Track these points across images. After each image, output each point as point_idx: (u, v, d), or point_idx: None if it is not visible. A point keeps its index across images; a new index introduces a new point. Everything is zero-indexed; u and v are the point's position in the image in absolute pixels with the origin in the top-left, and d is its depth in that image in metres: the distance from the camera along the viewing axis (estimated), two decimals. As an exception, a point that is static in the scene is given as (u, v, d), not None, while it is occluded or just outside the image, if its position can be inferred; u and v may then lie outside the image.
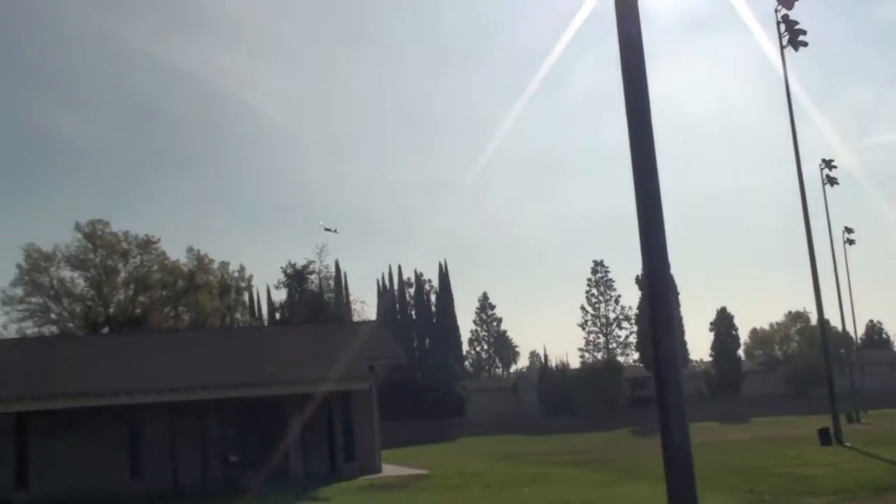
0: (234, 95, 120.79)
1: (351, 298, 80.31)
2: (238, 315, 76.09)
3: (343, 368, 29.88)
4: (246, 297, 78.59)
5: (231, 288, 75.02)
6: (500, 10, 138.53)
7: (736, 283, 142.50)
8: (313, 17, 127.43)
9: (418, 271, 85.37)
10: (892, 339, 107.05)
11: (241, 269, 76.12)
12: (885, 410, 64.12)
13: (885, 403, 69.64)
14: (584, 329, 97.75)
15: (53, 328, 66.84)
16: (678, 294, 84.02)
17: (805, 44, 38.22)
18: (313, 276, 75.80)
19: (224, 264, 74.56)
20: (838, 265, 60.65)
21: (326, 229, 71.12)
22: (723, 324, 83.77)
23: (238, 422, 31.49)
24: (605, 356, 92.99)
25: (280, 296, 76.44)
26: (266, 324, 75.16)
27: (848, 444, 31.40)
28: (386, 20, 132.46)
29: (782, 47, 38.63)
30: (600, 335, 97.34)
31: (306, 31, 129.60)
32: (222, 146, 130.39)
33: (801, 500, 16.45)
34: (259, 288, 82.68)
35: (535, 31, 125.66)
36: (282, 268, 74.44)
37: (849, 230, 65.54)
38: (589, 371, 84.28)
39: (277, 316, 75.28)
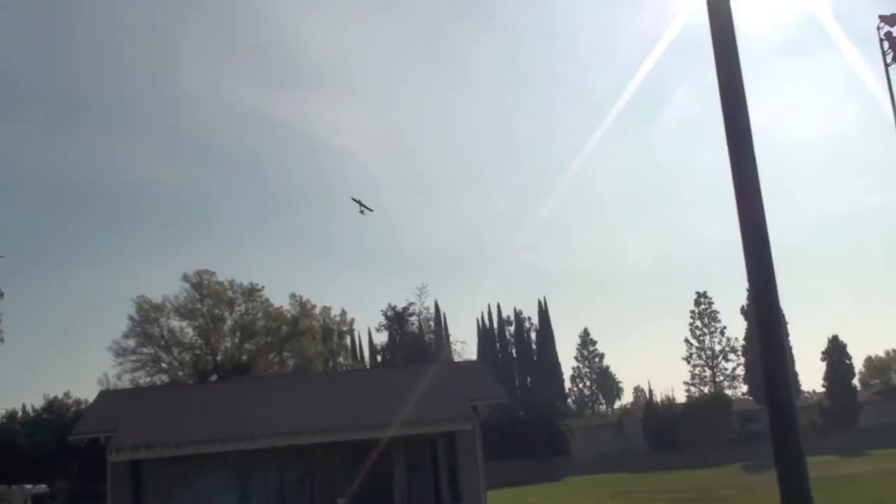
0: (328, 141, 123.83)
1: (451, 339, 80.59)
2: (341, 359, 77.06)
3: (446, 409, 29.87)
4: (348, 340, 79.66)
5: (333, 332, 76.10)
6: (591, 41, 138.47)
7: (848, 310, 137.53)
8: (394, 55, 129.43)
9: (517, 309, 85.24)
10: None
11: (343, 313, 77.29)
12: None
13: None
14: (688, 362, 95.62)
15: (165, 377, 68.85)
16: (786, 323, 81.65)
17: (910, 60, 37.10)
18: (413, 318, 76.38)
19: (326, 309, 75.85)
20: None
21: (360, 205, 66.43)
22: (835, 352, 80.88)
23: (344, 465, 31.68)
24: (712, 389, 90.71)
25: (381, 338, 77.31)
26: (368, 367, 75.91)
27: (978, 476, 29.85)
28: (473, 52, 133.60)
29: (887, 65, 37.53)
30: (706, 368, 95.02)
31: (392, 71, 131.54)
32: (320, 192, 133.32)
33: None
34: (360, 331, 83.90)
35: (627, 62, 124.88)
36: (382, 311, 75.30)
37: (966, 251, 62.72)
38: (695, 405, 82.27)
39: (379, 358, 76.02)
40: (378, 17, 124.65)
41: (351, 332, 79.53)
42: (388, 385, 36.99)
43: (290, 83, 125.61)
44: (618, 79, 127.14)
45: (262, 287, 72.29)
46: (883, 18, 37.80)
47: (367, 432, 29.77)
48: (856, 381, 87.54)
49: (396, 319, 74.70)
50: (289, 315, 72.56)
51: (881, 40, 38.28)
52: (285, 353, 73.68)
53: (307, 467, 31.45)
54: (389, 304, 75.33)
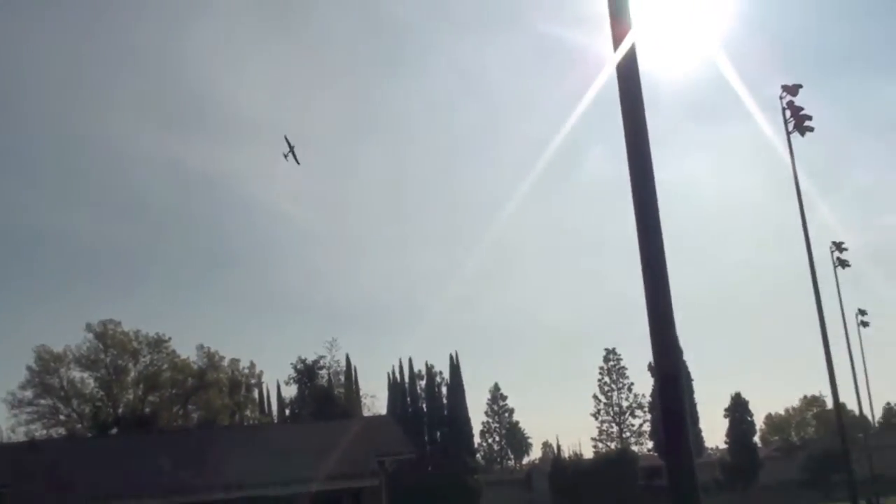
0: (246, 193, 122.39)
1: (361, 392, 79.73)
2: (248, 412, 75.49)
3: (352, 465, 29.55)
4: (256, 393, 78.16)
5: (241, 385, 74.61)
6: (509, 100, 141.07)
7: (750, 369, 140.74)
8: (326, 114, 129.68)
9: (429, 363, 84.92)
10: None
11: (252, 365, 75.90)
12: (907, 495, 62.80)
13: (906, 488, 68.27)
14: (596, 418, 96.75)
15: (62, 430, 66.34)
16: (692, 381, 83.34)
17: (811, 129, 38.64)
18: (323, 371, 75.42)
19: (234, 361, 74.37)
20: (852, 348, 60.28)
21: (289, 148, 60.40)
22: (738, 410, 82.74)
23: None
24: (619, 445, 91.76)
25: (290, 391, 75.98)
26: (276, 420, 74.53)
27: (871, 532, 30.77)
28: (398, 113, 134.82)
29: (788, 133, 39.10)
30: (613, 424, 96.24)
31: (320, 127, 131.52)
32: (233, 244, 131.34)
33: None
34: (269, 384, 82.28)
35: (545, 120, 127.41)
36: (292, 364, 74.17)
37: (862, 312, 65.22)
38: (602, 461, 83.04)
39: (287, 412, 74.70)
40: (310, 74, 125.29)
41: (259, 384, 78.14)
42: (295, 440, 36.45)
43: (216, 134, 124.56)
44: (536, 140, 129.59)
45: (169, 338, 70.69)
46: (785, 88, 39.58)
47: (272, 489, 29.20)
48: (756, 439, 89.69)
49: (306, 372, 73.63)
50: (195, 367, 70.94)
51: (783, 109, 40.00)
52: (190, 406, 71.84)
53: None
54: (299, 357, 74.30)
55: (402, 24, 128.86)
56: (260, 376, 77.01)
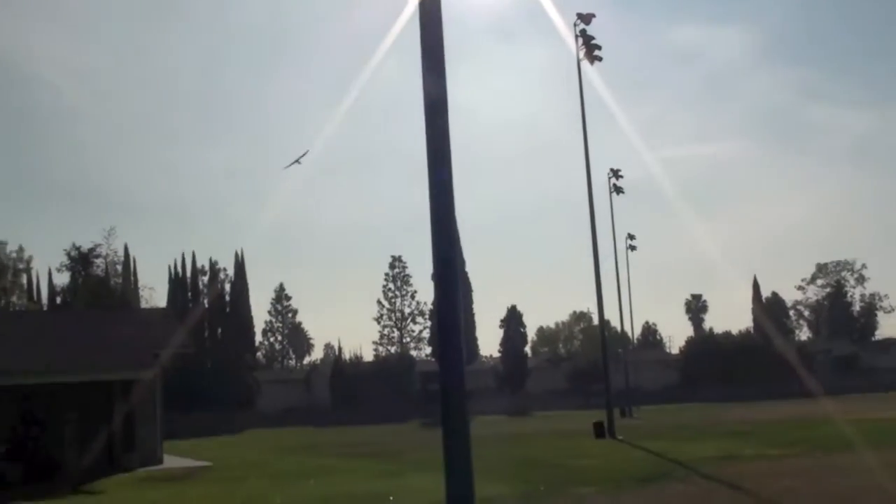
0: (26, 69, 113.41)
1: (140, 284, 77.28)
2: (14, 298, 71.49)
3: (126, 356, 28.76)
4: (24, 279, 73.98)
5: (7, 269, 70.38)
6: (317, 9, 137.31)
7: (528, 285, 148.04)
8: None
9: (213, 259, 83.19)
10: (664, 340, 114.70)
11: (20, 249, 71.67)
12: (656, 406, 68.52)
13: (656, 400, 74.44)
14: (379, 323, 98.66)
15: None
16: (472, 292, 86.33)
17: (600, 58, 40.20)
18: (100, 261, 72.42)
19: (1, 244, 69.93)
20: (620, 269, 64.35)
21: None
22: (512, 321, 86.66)
23: (8, 412, 29.55)
24: (399, 350, 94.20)
25: (63, 279, 72.52)
26: (46, 308, 71.07)
27: (620, 438, 33.35)
28: (196, 4, 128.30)
29: (579, 59, 40.47)
30: (395, 329, 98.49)
31: (116, 8, 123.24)
32: (6, 121, 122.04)
33: (574, 489, 17.34)
34: (40, 270, 78.06)
35: (349, 31, 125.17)
36: (65, 250, 70.62)
37: (631, 237, 69.49)
38: (382, 364, 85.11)
39: (59, 301, 71.31)
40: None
41: (28, 270, 73.94)
42: (65, 329, 34.90)
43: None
44: (337, 49, 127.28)
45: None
46: (580, 16, 40.74)
47: (36, 377, 27.97)
48: (528, 349, 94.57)
49: (81, 261, 70.42)
50: (-44, 247, 66.22)
51: (576, 36, 41.27)
52: (-51, 289, 67.25)
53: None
54: (74, 244, 70.90)
55: None
56: (29, 261, 73.00)
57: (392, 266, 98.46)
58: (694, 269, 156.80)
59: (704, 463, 21.31)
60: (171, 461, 30.89)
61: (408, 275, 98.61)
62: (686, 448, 26.08)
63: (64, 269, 71.17)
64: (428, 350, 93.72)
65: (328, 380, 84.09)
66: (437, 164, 9.21)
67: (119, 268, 75.10)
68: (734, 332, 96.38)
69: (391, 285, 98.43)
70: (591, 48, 39.82)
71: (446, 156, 9.24)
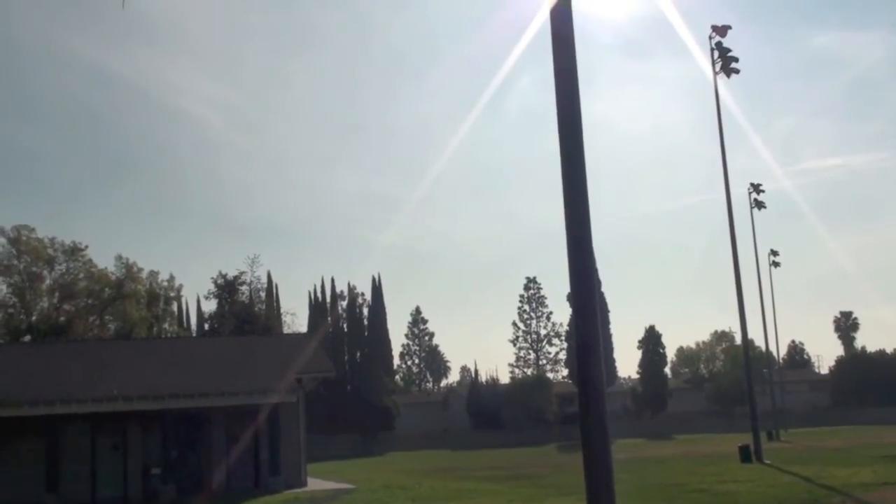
0: (172, 104, 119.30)
1: (282, 310, 79.56)
2: (166, 325, 74.64)
3: (270, 381, 29.56)
4: (175, 307, 77.25)
5: (160, 297, 73.54)
6: (446, 30, 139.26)
7: (665, 303, 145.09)
8: (260, 28, 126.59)
9: (351, 284, 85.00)
10: (812, 359, 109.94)
11: (171, 278, 74.78)
12: (805, 429, 65.71)
13: (804, 422, 71.42)
14: (514, 345, 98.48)
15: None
16: (608, 312, 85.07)
17: (737, 70, 39.19)
18: (244, 288, 74.93)
19: (153, 273, 73.18)
20: (763, 287, 62.26)
21: None
22: (651, 342, 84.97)
23: (161, 434, 30.85)
24: (535, 372, 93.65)
25: (210, 307, 75.38)
26: (195, 335, 73.98)
27: (767, 462, 32.09)
28: (333, 32, 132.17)
29: (715, 73, 39.56)
30: (531, 351, 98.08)
31: (253, 41, 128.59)
32: (156, 155, 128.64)
33: (721, 516, 16.75)
34: (189, 299, 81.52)
35: (479, 51, 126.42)
36: (212, 278, 73.45)
37: (774, 253, 67.29)
38: (518, 386, 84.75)
39: (206, 327, 74.13)
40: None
41: (178, 298, 77.16)
42: (213, 354, 36.27)
43: (146, 44, 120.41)
44: (470, 67, 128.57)
45: (86, 247, 69.05)
46: (715, 29, 39.87)
47: (187, 401, 29.05)
48: (667, 370, 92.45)
49: (227, 288, 73.05)
50: (113, 277, 69.65)
51: (712, 49, 40.36)
52: (107, 317, 70.66)
53: (122, 435, 30.43)
54: (220, 272, 73.63)
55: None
56: (179, 290, 76.08)
57: (527, 287, 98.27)
58: (843, 286, 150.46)
59: (860, 489, 20.23)
60: (314, 483, 31.50)
61: (543, 296, 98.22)
62: (839, 473, 24.83)
63: (211, 296, 74.04)
64: (564, 372, 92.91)
65: (465, 402, 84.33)
66: (571, 182, 9.10)
67: (262, 294, 77.54)
68: (889, 350, 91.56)
69: (526, 307, 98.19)
70: (727, 61, 38.89)
71: (581, 174, 9.13)
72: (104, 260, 71.12)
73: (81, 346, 44.64)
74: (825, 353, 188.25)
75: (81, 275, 68.96)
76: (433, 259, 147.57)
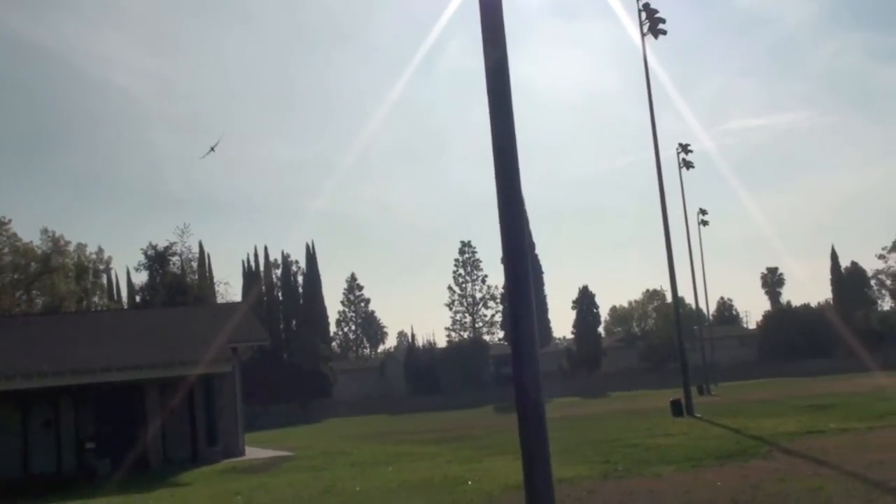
0: (95, 73, 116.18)
1: (215, 280, 78.70)
2: (96, 298, 73.34)
3: (205, 351, 29.31)
4: (104, 279, 75.89)
5: (88, 270, 72.08)
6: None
7: (599, 264, 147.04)
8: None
9: (285, 252, 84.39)
10: (741, 315, 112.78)
11: (100, 251, 73.31)
12: (734, 383, 67.51)
13: (733, 376, 73.39)
14: (451, 309, 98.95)
15: None
16: (542, 274, 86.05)
17: (664, 32, 39.56)
18: (175, 258, 73.88)
19: (81, 246, 71.63)
20: (692, 245, 63.48)
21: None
22: (584, 302, 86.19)
23: (95, 408, 30.42)
24: (472, 335, 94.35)
25: (141, 278, 74.29)
26: (126, 307, 72.86)
27: (698, 416, 32.92)
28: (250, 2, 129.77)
29: (643, 34, 39.90)
30: (467, 314, 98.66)
31: (181, 10, 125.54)
32: (85, 127, 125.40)
33: (653, 468, 17.16)
34: (119, 271, 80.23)
35: (411, 15, 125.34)
36: (142, 249, 72.29)
37: (703, 212, 68.56)
38: (455, 350, 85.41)
39: (138, 299, 73.04)
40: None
41: (108, 271, 75.75)
42: (145, 326, 35.76)
43: (56, 11, 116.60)
44: (401, 33, 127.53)
45: (10, 220, 67.25)
46: (641, -11, 40.09)
47: (120, 374, 28.69)
48: (601, 329, 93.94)
49: (157, 259, 71.95)
50: (39, 251, 68.01)
51: (639, 10, 40.69)
52: (34, 292, 69.10)
53: (55, 410, 29.96)
54: (150, 244, 72.48)
55: None
56: (108, 262, 74.66)
57: (462, 251, 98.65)
58: (769, 243, 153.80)
59: (786, 438, 20.91)
60: (252, 452, 31.48)
61: (478, 259, 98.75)
62: (766, 424, 25.62)
63: (142, 268, 72.92)
64: (500, 334, 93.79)
65: (402, 367, 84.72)
66: (502, 146, 9.14)
67: (194, 265, 76.56)
68: (813, 304, 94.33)
69: (461, 271, 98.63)
70: (654, 22, 39.25)
71: (511, 139, 9.17)
72: (30, 234, 69.34)
73: (9, 321, 43.63)
74: (753, 308, 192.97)
75: (6, 249, 67.19)
76: (368, 225, 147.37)
